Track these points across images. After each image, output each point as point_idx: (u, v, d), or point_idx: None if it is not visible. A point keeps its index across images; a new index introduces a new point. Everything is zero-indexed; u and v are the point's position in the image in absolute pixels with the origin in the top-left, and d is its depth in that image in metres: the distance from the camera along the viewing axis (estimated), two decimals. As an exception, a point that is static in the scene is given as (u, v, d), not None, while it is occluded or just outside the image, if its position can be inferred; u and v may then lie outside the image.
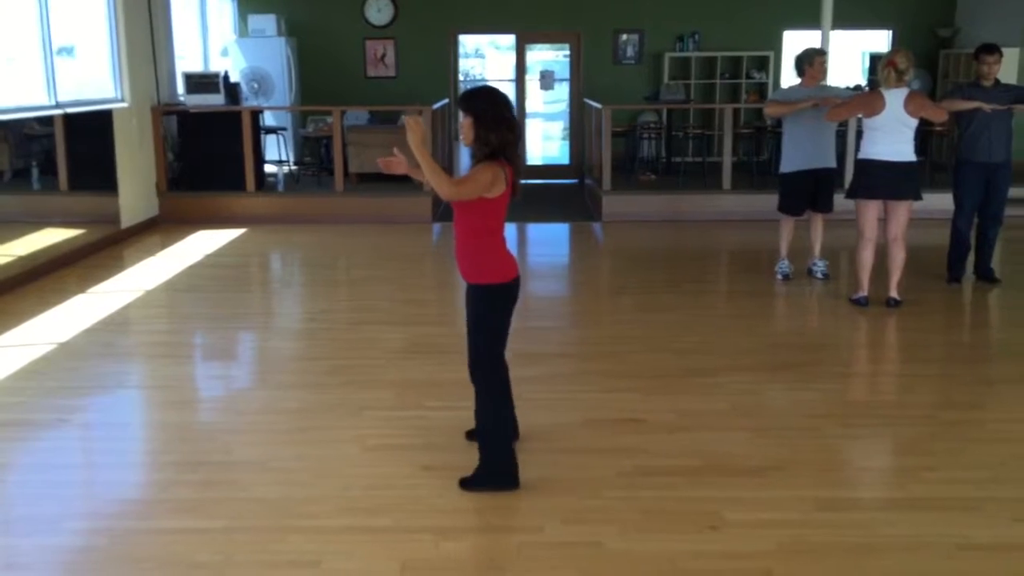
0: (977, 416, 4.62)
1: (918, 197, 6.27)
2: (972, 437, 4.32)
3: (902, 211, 6.26)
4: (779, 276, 7.27)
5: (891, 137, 6.14)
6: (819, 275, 7.25)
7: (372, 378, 5.11)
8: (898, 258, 6.33)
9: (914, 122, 6.18)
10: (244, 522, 3.51)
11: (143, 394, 5.20)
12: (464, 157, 15.40)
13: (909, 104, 6.08)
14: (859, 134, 6.51)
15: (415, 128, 3.53)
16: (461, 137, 3.69)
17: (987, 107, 6.64)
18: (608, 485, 3.79)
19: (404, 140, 3.64)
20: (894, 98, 6.08)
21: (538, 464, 4.01)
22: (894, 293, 6.35)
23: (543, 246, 9.66)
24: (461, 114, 3.62)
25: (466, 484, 3.78)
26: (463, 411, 4.39)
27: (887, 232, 6.32)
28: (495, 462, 3.77)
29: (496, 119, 3.58)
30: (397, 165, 3.96)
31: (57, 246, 7.89)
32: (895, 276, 6.35)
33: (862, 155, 6.29)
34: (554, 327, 6.35)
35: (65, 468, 4.12)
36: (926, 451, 4.16)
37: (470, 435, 4.08)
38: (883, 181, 6.19)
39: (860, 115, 6.35)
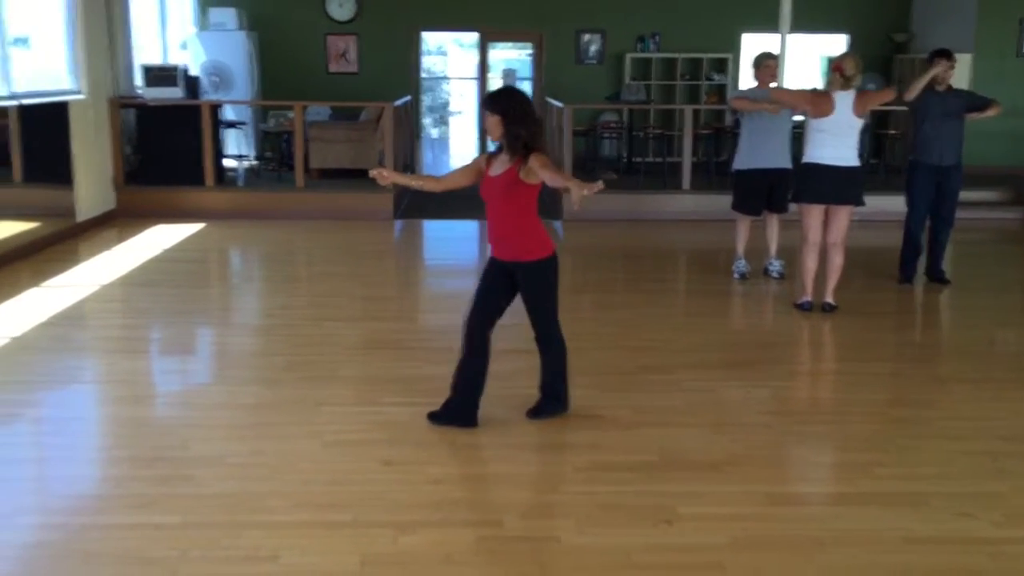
0: (926, 414, 4.73)
1: (860, 203, 6.32)
2: (921, 434, 4.42)
3: (843, 216, 6.30)
4: (736, 275, 7.36)
5: (836, 141, 6.17)
6: (775, 275, 7.36)
7: (330, 374, 5.11)
8: (836, 262, 6.34)
9: (860, 124, 6.22)
10: (200, 517, 3.50)
11: (98, 389, 5.14)
12: (427, 153, 15.39)
13: (857, 105, 6.11)
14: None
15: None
16: (489, 134, 4.10)
17: (936, 71, 6.75)
18: (565, 480, 3.84)
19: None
20: (842, 101, 6.11)
21: (496, 459, 4.05)
22: (830, 298, 6.38)
23: (504, 244, 9.66)
24: (487, 113, 4.04)
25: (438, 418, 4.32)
26: (422, 406, 4.42)
27: (827, 236, 6.33)
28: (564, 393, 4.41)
29: (523, 115, 3.99)
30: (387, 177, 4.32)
31: (11, 239, 7.76)
32: (832, 281, 6.37)
33: (807, 159, 6.31)
34: (512, 324, 6.33)
35: (17, 463, 4.08)
36: (876, 448, 4.25)
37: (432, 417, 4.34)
38: (828, 185, 6.23)
39: (806, 110, 6.37)
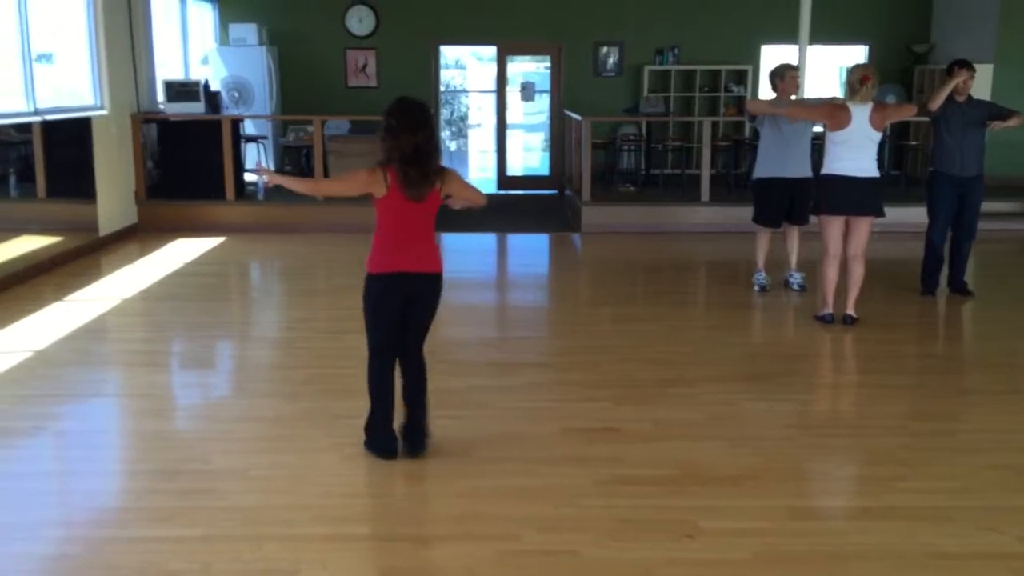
0: (949, 427, 4.69)
1: (880, 213, 6.28)
2: (943, 447, 4.38)
3: (864, 227, 6.27)
4: (756, 288, 7.33)
5: (855, 152, 6.14)
6: (795, 287, 7.32)
7: (350, 387, 5.10)
8: (857, 274, 6.31)
9: (878, 136, 6.21)
10: (221, 530, 3.51)
11: (120, 402, 5.18)
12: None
13: (876, 118, 6.10)
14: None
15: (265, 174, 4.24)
16: None
17: (958, 80, 6.73)
18: (585, 494, 3.82)
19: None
20: (860, 113, 6.09)
21: (515, 473, 4.04)
22: (851, 310, 6.34)
23: (523, 256, 9.70)
24: None
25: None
26: (441, 419, 4.42)
27: (847, 248, 6.31)
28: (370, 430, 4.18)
29: (385, 128, 3.90)
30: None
31: (34, 253, 7.84)
32: (853, 293, 6.34)
33: (826, 170, 6.29)
34: (533, 337, 6.39)
35: (41, 476, 4.11)
36: (898, 461, 4.21)
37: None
38: (847, 197, 6.20)
39: (824, 123, 6.36)
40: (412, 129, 3.86)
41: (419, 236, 4.04)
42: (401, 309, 4.07)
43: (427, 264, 4.07)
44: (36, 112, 7.83)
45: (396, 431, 4.15)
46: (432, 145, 3.94)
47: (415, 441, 4.14)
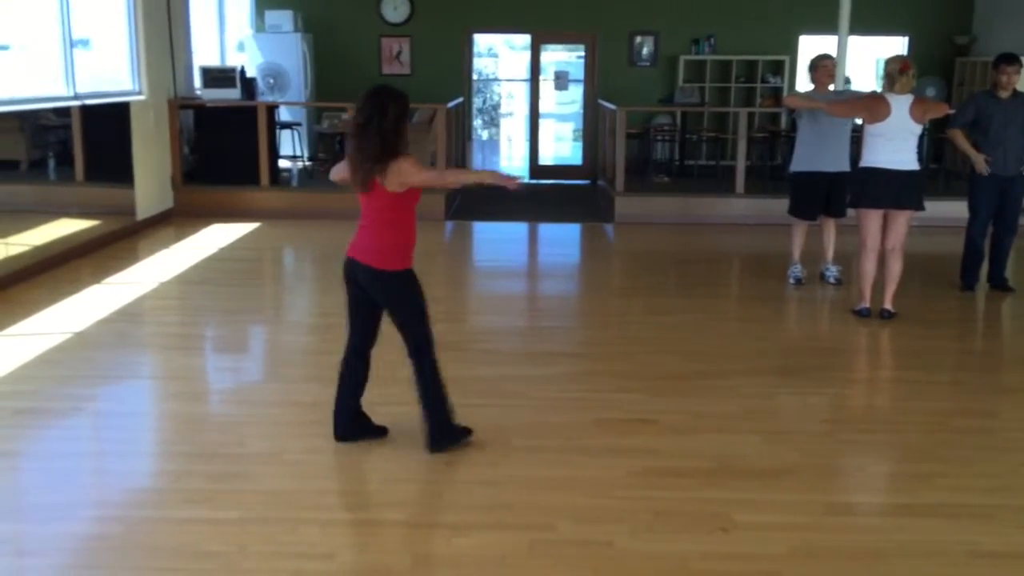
0: (989, 424, 4.62)
1: (920, 207, 6.19)
2: (983, 445, 4.32)
3: (902, 221, 6.18)
4: (791, 280, 7.26)
5: (895, 145, 6.04)
6: (832, 280, 7.24)
7: (386, 374, 5.09)
8: (895, 269, 6.23)
9: (919, 129, 6.10)
10: (257, 513, 3.53)
11: (157, 384, 5.23)
12: (477, 155, 15.42)
13: (916, 111, 6.00)
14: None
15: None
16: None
17: (977, 162, 6.82)
18: (619, 485, 3.80)
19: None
20: (899, 105, 5.99)
21: (550, 463, 4.03)
22: (888, 305, 6.26)
23: (555, 246, 9.68)
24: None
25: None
26: (476, 408, 4.43)
27: (886, 242, 6.22)
28: (446, 424, 4.07)
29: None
30: None
31: (72, 236, 7.93)
32: (891, 288, 6.25)
33: (865, 163, 6.19)
34: (565, 327, 6.37)
35: (79, 456, 4.16)
36: (937, 458, 4.16)
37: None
38: (886, 190, 6.11)
39: (863, 118, 6.26)
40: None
41: (367, 223, 4.13)
42: (357, 296, 4.19)
43: (365, 256, 4.10)
44: (76, 97, 7.90)
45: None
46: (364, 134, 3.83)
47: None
